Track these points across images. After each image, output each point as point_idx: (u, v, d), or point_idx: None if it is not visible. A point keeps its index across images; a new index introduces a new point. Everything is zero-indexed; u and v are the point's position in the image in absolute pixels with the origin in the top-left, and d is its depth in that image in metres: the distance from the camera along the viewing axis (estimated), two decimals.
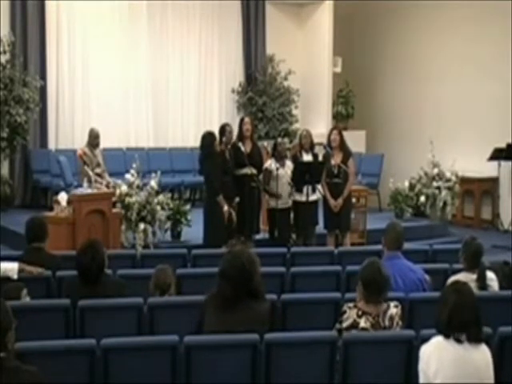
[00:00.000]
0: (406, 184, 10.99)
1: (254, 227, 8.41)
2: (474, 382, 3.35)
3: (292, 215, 8.51)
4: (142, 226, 8.25)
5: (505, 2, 11.36)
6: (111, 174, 9.40)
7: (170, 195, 9.00)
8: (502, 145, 11.42)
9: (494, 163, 11.68)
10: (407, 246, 5.56)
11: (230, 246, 7.41)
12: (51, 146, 11.62)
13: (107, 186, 8.67)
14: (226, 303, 3.97)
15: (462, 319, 3.37)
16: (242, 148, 8.30)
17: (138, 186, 8.42)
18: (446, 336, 3.39)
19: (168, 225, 8.75)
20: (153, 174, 8.80)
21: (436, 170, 10.87)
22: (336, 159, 8.46)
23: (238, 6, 13.44)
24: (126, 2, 12.18)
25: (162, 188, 8.86)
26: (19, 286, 4.80)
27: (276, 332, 4.17)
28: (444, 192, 10.78)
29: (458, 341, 3.37)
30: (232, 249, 4.25)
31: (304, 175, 8.29)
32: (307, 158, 8.47)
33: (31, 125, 11.07)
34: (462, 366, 3.35)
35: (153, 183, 8.54)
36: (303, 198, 8.34)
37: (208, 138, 8.04)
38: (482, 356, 3.42)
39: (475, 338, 3.39)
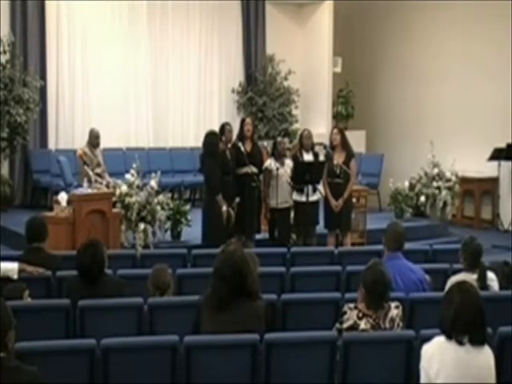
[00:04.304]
0: (406, 184, 10.98)
1: (255, 227, 8.40)
2: (476, 383, 3.34)
3: (292, 215, 8.51)
4: (142, 226, 8.25)
5: (505, 1, 11.35)
6: (111, 174, 9.40)
7: (170, 195, 9.00)
8: (502, 145, 11.41)
9: (494, 163, 11.68)
10: (407, 245, 5.55)
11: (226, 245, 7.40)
12: (51, 146, 11.61)
13: (107, 186, 8.67)
14: (220, 302, 3.96)
15: (466, 320, 3.33)
16: (242, 148, 8.31)
17: (137, 186, 8.42)
18: (449, 337, 3.36)
19: (168, 225, 8.75)
20: (153, 174, 8.80)
21: (436, 170, 10.87)
22: (338, 159, 8.44)
23: (238, 6, 13.44)
24: (126, 2, 12.18)
25: (162, 188, 8.86)
26: (21, 287, 4.80)
27: (276, 332, 4.17)
28: (444, 192, 10.78)
29: (460, 343, 3.33)
30: (225, 248, 4.23)
31: (304, 175, 8.28)
32: (307, 157, 8.46)
33: (31, 125, 11.07)
34: (463, 368, 3.32)
35: (153, 183, 8.54)
36: (303, 198, 8.34)
37: (211, 137, 8.08)
38: (484, 358, 3.38)
39: (478, 341, 3.35)
